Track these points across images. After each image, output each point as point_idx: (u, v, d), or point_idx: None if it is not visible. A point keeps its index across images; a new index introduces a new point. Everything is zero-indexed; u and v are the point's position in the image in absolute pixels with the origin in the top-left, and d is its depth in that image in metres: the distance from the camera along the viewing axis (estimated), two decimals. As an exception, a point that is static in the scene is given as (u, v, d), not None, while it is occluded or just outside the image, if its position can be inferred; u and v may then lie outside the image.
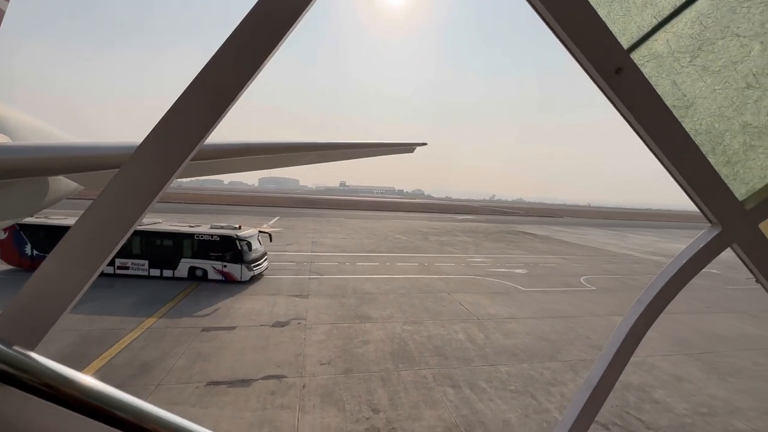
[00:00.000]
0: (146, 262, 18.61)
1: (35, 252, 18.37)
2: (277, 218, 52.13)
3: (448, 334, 13.37)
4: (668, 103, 1.25)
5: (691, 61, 1.24)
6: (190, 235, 18.79)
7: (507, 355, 11.89)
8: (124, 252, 18.45)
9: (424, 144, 6.68)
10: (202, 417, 8.05)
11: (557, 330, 14.39)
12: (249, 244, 18.71)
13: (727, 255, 1.57)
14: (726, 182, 1.37)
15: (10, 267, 18.65)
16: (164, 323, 13.00)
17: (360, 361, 10.93)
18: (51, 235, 18.23)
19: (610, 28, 1.14)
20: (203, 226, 20.40)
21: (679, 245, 45.46)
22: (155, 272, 18.65)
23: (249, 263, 18.49)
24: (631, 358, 1.54)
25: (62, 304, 0.88)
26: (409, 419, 8.36)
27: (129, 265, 18.52)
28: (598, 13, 1.11)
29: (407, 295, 18.05)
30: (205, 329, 12.64)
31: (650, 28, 1.19)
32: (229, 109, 0.96)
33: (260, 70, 0.95)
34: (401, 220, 65.17)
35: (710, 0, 1.17)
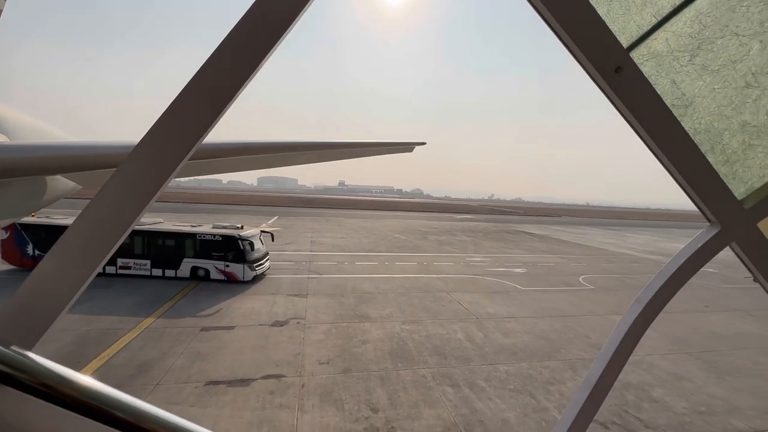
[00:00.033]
0: (148, 262, 18.58)
1: (37, 252, 18.32)
2: (275, 218, 52.09)
3: (447, 333, 13.38)
4: (667, 102, 1.25)
5: (690, 60, 1.24)
6: (193, 235, 18.76)
7: (506, 354, 11.90)
8: (127, 252, 18.45)
9: (423, 143, 6.67)
10: (201, 417, 8.04)
11: (556, 329, 14.41)
12: (251, 244, 18.71)
13: (725, 254, 1.57)
14: (725, 181, 1.37)
15: (11, 267, 18.57)
16: (163, 323, 12.98)
17: (359, 361, 10.93)
18: (53, 235, 18.16)
19: (610, 27, 1.14)
20: (205, 225, 20.39)
21: (678, 244, 45.52)
22: (157, 272, 18.63)
23: (251, 263, 18.48)
24: (630, 357, 1.54)
25: (60, 304, 0.88)
26: (408, 418, 8.37)
27: (131, 265, 18.49)
28: (598, 11, 1.11)
29: (406, 294, 18.05)
30: (204, 329, 12.63)
31: (650, 27, 1.19)
32: (227, 108, 0.95)
33: (258, 70, 0.95)
34: (400, 219, 65.18)
35: None
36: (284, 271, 21.19)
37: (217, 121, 0.96)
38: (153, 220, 20.34)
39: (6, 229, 18.07)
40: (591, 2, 1.10)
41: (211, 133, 0.99)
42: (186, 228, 19.42)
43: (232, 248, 18.41)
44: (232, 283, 18.24)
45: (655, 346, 13.16)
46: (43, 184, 4.12)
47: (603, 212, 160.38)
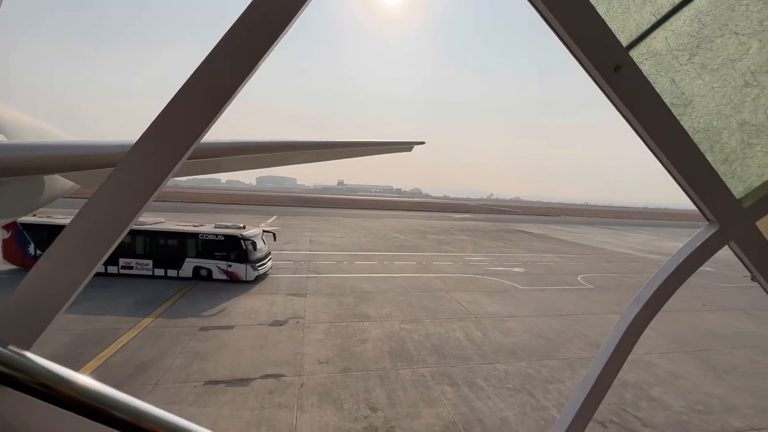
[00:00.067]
0: (150, 262, 18.54)
1: (38, 252, 18.25)
2: (274, 217, 52.04)
3: (446, 332, 13.39)
4: (667, 101, 1.25)
5: (689, 59, 1.24)
6: (195, 235, 18.72)
7: (505, 354, 11.92)
8: (129, 252, 18.41)
9: (422, 143, 6.67)
10: (200, 416, 8.03)
11: (555, 328, 14.44)
12: (254, 244, 18.69)
13: (723, 253, 1.57)
14: (724, 180, 1.37)
15: (12, 267, 18.48)
16: (161, 323, 12.96)
17: (358, 360, 10.93)
18: (54, 235, 18.04)
19: (609, 26, 1.13)
20: (207, 225, 20.34)
21: (676, 244, 45.72)
22: (159, 272, 18.58)
23: (254, 263, 18.45)
24: (629, 356, 1.54)
25: (58, 304, 0.87)
26: (407, 418, 8.38)
27: (133, 265, 18.45)
28: (597, 10, 1.11)
29: (405, 293, 18.06)
30: (203, 328, 12.61)
31: (649, 26, 1.19)
32: (226, 107, 0.95)
33: (257, 69, 0.95)
34: (399, 218, 65.20)
35: None
36: (283, 270, 21.17)
37: (216, 121, 0.96)
38: (155, 220, 20.28)
39: (7, 228, 18.01)
40: (591, 1, 1.10)
41: (209, 132, 0.99)
42: (188, 228, 19.37)
43: (235, 248, 18.37)
44: (235, 283, 18.22)
45: (653, 344, 13.20)
46: (40, 184, 4.10)
47: (602, 211, 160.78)
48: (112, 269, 18.20)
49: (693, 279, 1.57)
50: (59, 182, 4.47)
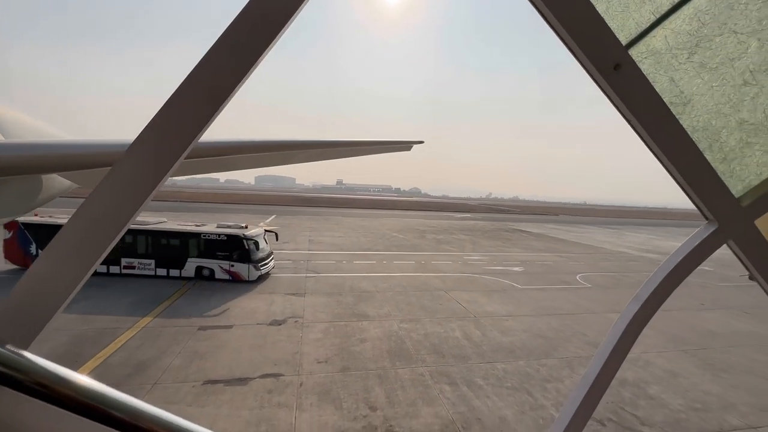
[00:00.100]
0: (153, 262, 18.49)
1: (40, 252, 18.16)
2: (273, 216, 51.98)
3: (445, 331, 13.40)
4: (666, 99, 1.25)
5: (688, 58, 1.24)
6: (197, 235, 18.68)
7: (504, 353, 11.94)
8: (131, 252, 18.38)
9: (421, 142, 6.67)
10: (199, 416, 8.02)
11: (553, 327, 14.47)
12: (256, 244, 18.67)
13: (721, 252, 1.58)
14: (722, 179, 1.37)
15: (14, 267, 18.39)
16: (160, 322, 12.94)
17: (357, 359, 10.94)
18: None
19: (609, 24, 1.13)
20: (210, 225, 20.30)
21: (674, 243, 45.86)
22: (162, 272, 18.53)
23: (256, 262, 18.42)
24: (627, 355, 1.55)
25: (56, 303, 0.87)
26: (406, 417, 8.39)
27: (135, 264, 18.40)
28: (597, 8, 1.11)
29: (404, 293, 18.07)
30: (202, 328, 12.60)
31: (648, 24, 1.19)
32: (224, 106, 0.95)
33: (255, 67, 0.94)
34: (398, 218, 65.21)
35: None
36: (282, 270, 21.15)
37: (214, 119, 0.95)
38: (157, 220, 20.23)
39: (9, 228, 17.95)
40: None
41: (208, 131, 0.98)
42: (190, 227, 19.32)
43: (237, 248, 18.35)
44: (237, 282, 18.20)
45: (651, 343, 13.24)
46: (38, 183, 4.09)
47: (600, 211, 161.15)
48: (114, 269, 18.16)
49: (691, 278, 1.57)
50: (57, 181, 4.46)
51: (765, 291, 1.60)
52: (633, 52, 1.20)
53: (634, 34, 1.19)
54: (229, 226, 19.52)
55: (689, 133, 1.29)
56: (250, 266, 18.24)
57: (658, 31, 1.20)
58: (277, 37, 0.93)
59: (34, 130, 4.11)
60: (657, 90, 1.22)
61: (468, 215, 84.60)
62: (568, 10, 1.09)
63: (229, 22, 0.89)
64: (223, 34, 0.89)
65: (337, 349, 11.56)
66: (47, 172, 3.82)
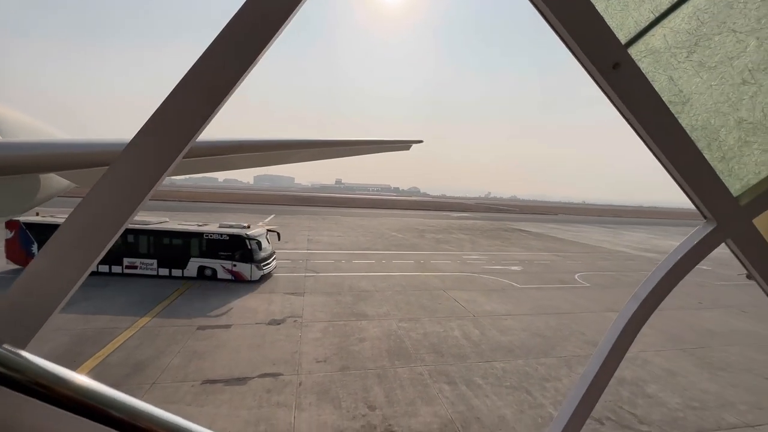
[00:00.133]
0: (155, 262, 18.44)
1: None
2: (272, 216, 51.93)
3: (444, 331, 13.42)
4: (665, 98, 1.25)
5: (687, 57, 1.24)
6: (200, 234, 18.63)
7: (502, 352, 11.96)
8: (133, 252, 18.34)
9: (420, 141, 6.67)
10: (198, 415, 8.02)
11: (552, 326, 14.51)
12: (259, 243, 18.64)
13: (719, 251, 1.58)
14: (721, 178, 1.37)
15: (15, 267, 18.31)
16: (159, 322, 12.92)
17: (356, 359, 10.94)
18: None
19: (608, 23, 1.13)
20: (212, 224, 20.26)
21: (672, 242, 45.99)
22: (164, 272, 18.48)
23: (259, 262, 18.40)
24: (626, 354, 1.55)
25: (53, 303, 0.86)
26: (405, 416, 8.40)
27: (137, 264, 18.35)
28: (596, 7, 1.11)
29: (403, 292, 18.08)
30: (201, 327, 12.58)
31: (648, 23, 1.19)
32: (222, 105, 0.94)
33: (253, 66, 0.94)
34: (397, 217, 65.23)
35: None
36: (281, 269, 21.14)
37: (212, 118, 0.95)
38: (159, 219, 20.19)
39: (10, 228, 17.89)
40: None
41: (207, 130, 0.98)
42: (193, 227, 19.27)
43: (240, 247, 18.31)
44: (240, 282, 18.17)
45: (649, 342, 13.28)
46: (36, 182, 4.08)
47: (599, 210, 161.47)
48: (116, 269, 18.11)
49: (689, 277, 1.57)
50: (55, 181, 4.45)
51: (763, 290, 1.61)
52: (632, 51, 1.20)
53: (633, 32, 1.19)
54: (231, 226, 19.49)
55: (688, 132, 1.29)
56: (253, 266, 18.21)
57: (657, 30, 1.20)
58: (276, 35, 0.93)
59: (31, 130, 4.10)
60: (656, 89, 1.22)
61: (467, 214, 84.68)
62: (568, 9, 1.08)
63: (228, 21, 0.89)
64: (221, 32, 0.89)
65: (336, 348, 11.56)
66: (45, 172, 3.80)
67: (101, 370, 9.58)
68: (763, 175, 1.42)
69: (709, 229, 1.44)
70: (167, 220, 20.79)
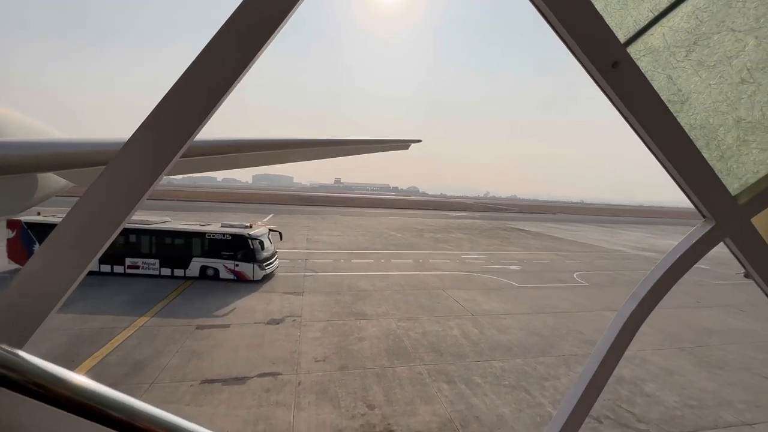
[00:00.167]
0: (157, 262, 18.39)
1: None
2: (271, 215, 51.86)
3: (443, 330, 13.43)
4: (664, 97, 1.25)
5: (686, 56, 1.24)
6: (202, 234, 18.58)
7: (501, 351, 11.98)
8: (135, 251, 18.29)
9: (419, 141, 6.67)
10: (197, 415, 8.01)
11: (550, 325, 14.54)
12: (261, 243, 18.62)
13: (717, 251, 1.58)
14: (720, 177, 1.37)
15: (17, 267, 18.22)
16: (157, 321, 12.89)
17: (355, 358, 10.95)
18: None
19: (607, 22, 1.13)
20: (214, 224, 20.23)
21: (670, 241, 46.10)
22: (166, 272, 18.43)
23: (261, 262, 18.37)
24: (624, 353, 1.55)
25: (51, 302, 0.86)
26: (404, 415, 8.40)
27: (139, 264, 18.30)
28: (595, 6, 1.11)
29: (402, 291, 18.09)
30: (199, 327, 12.56)
31: (647, 22, 1.19)
32: (221, 104, 0.94)
33: (252, 65, 0.94)
34: (396, 217, 65.23)
35: None
36: (280, 268, 21.12)
37: (210, 118, 0.95)
38: (161, 219, 20.14)
39: (12, 228, 17.83)
40: None
41: (205, 129, 0.98)
42: (195, 227, 19.22)
43: (242, 247, 18.27)
44: (242, 282, 18.13)
45: (647, 341, 13.32)
46: (34, 182, 4.07)
47: (596, 209, 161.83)
48: (118, 269, 18.06)
49: (687, 276, 1.57)
50: (53, 180, 4.44)
51: (761, 288, 1.61)
52: (631, 50, 1.19)
53: (632, 31, 1.19)
54: (233, 226, 19.44)
55: (687, 131, 1.29)
56: (255, 266, 18.19)
57: (657, 29, 1.20)
58: (274, 34, 0.93)
59: (28, 129, 4.08)
60: (655, 88, 1.22)
61: (466, 214, 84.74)
62: (567, 8, 1.08)
63: (226, 19, 0.89)
64: (219, 31, 0.89)
65: (335, 347, 11.56)
66: (42, 171, 3.79)
67: (100, 370, 9.56)
68: (761, 174, 1.42)
69: (708, 228, 1.45)
70: (169, 219, 20.75)
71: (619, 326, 1.53)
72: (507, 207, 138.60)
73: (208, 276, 18.42)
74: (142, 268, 18.28)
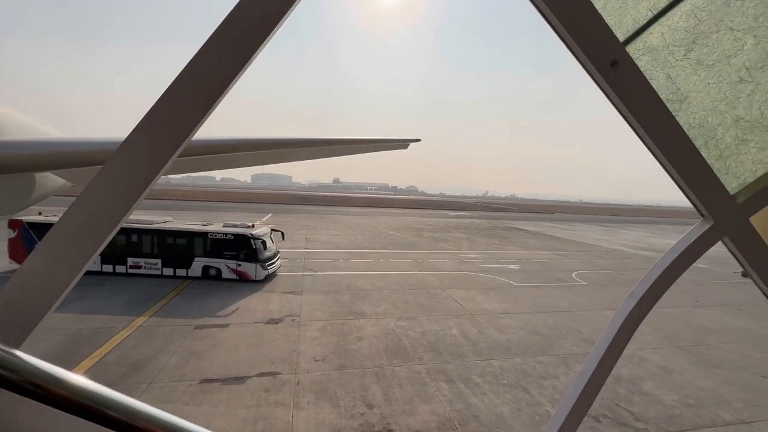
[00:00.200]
0: (159, 262, 18.35)
1: None
2: (269, 215, 51.81)
3: (441, 329, 13.44)
4: (663, 96, 1.25)
5: (685, 55, 1.24)
6: (204, 234, 18.55)
7: (500, 350, 12.00)
8: (137, 251, 18.25)
9: (418, 140, 6.67)
10: (196, 415, 8.00)
11: (549, 324, 14.56)
12: (263, 243, 18.61)
13: (716, 250, 1.58)
14: (718, 176, 1.38)
15: (18, 267, 18.22)
16: (156, 321, 12.87)
17: (354, 357, 10.95)
18: None
19: (606, 21, 1.13)
20: (216, 224, 20.20)
21: (669, 240, 46.22)
22: (168, 271, 18.39)
23: (263, 262, 18.35)
24: (623, 352, 1.55)
25: (48, 302, 0.86)
26: (403, 414, 8.41)
27: (142, 264, 18.25)
28: (595, 5, 1.11)
29: (401, 291, 18.10)
30: (198, 327, 12.55)
31: (646, 21, 1.19)
32: (219, 103, 0.94)
33: (250, 64, 0.94)
34: (395, 216, 65.23)
35: None
36: (279, 268, 21.12)
37: (208, 117, 0.94)
38: (163, 219, 20.09)
39: (13, 227, 17.78)
40: None
41: (203, 128, 0.97)
42: (197, 227, 19.19)
43: (245, 247, 18.25)
44: (245, 282, 18.11)
45: (646, 340, 13.35)
46: (31, 181, 4.05)
47: (595, 209, 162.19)
48: (120, 269, 18.01)
49: (686, 275, 1.57)
50: (50, 180, 4.42)
51: (759, 288, 1.62)
52: (630, 49, 1.19)
53: (631, 30, 1.19)
54: (235, 225, 19.41)
55: (685, 130, 1.29)
56: (258, 266, 18.17)
57: (655, 28, 1.20)
58: (272, 33, 0.92)
59: (25, 128, 4.07)
60: (654, 87, 1.22)
61: (465, 213, 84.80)
62: (566, 7, 1.08)
63: (224, 17, 0.89)
64: (217, 30, 0.88)
65: (334, 347, 11.56)
66: (40, 170, 3.78)
67: (98, 370, 9.54)
68: (759, 173, 1.42)
69: (706, 227, 1.45)
70: (171, 219, 20.71)
71: (617, 325, 1.54)
72: (506, 206, 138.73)
73: (210, 276, 18.39)
74: (144, 268, 18.24)
